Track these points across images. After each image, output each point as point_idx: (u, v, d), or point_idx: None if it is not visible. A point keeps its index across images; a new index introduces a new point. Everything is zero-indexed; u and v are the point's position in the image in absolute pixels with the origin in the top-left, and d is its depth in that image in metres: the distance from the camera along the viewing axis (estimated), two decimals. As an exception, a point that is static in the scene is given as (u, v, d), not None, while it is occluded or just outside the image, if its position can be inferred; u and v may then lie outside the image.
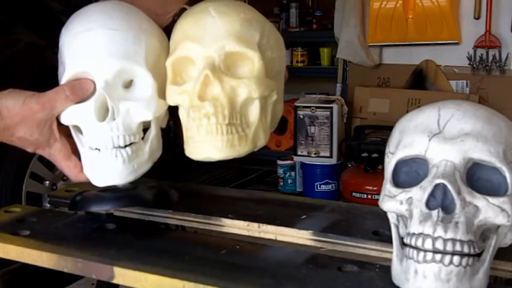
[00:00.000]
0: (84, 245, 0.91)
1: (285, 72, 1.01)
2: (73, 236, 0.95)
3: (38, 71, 2.24)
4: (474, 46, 3.25)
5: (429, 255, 0.69)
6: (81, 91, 0.90)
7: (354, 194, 3.15)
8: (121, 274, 0.82)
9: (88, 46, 0.91)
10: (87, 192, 0.99)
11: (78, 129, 0.93)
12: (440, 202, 0.70)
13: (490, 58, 3.24)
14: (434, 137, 0.73)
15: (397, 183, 0.77)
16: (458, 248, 0.68)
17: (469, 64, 3.28)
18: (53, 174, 2.44)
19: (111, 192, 0.96)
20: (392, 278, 0.76)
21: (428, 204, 0.70)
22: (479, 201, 0.71)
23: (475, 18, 3.26)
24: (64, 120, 0.93)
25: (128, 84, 0.94)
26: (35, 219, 1.03)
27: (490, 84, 3.29)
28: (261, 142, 0.92)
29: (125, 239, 0.93)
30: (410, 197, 0.73)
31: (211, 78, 0.86)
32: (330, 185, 3.38)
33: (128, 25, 0.93)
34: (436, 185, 0.71)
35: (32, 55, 2.34)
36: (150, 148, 0.96)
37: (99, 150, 0.91)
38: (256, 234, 0.98)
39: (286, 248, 0.89)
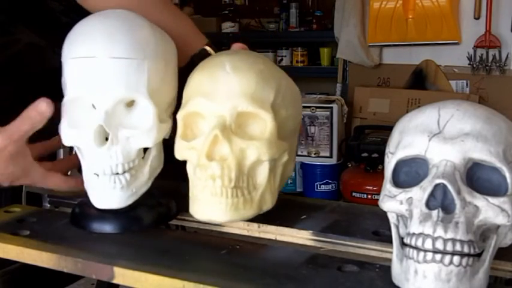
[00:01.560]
0: (84, 245, 0.91)
1: (300, 127, 0.98)
2: (73, 236, 0.95)
3: (38, 71, 2.24)
4: (474, 46, 3.25)
5: (429, 255, 0.69)
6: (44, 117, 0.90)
7: (354, 194, 3.15)
8: (121, 274, 0.82)
9: (89, 75, 0.89)
10: (87, 207, 0.98)
11: (80, 149, 0.94)
12: (440, 202, 0.70)
13: (490, 58, 3.24)
14: (434, 137, 0.73)
15: (397, 183, 0.77)
16: (458, 248, 0.68)
17: (469, 64, 3.28)
18: (53, 174, 2.44)
19: (111, 213, 0.95)
20: (393, 278, 0.76)
21: (428, 204, 0.70)
22: (479, 201, 0.71)
23: (475, 18, 3.26)
24: (65, 142, 0.93)
25: (130, 104, 0.93)
26: (35, 219, 1.03)
27: (490, 84, 3.29)
28: (267, 206, 0.90)
29: (125, 239, 0.93)
30: (410, 197, 0.73)
31: (221, 138, 0.84)
32: (330, 185, 3.38)
33: (132, 51, 0.90)
34: (436, 185, 0.71)
35: (32, 55, 2.34)
36: (150, 168, 0.96)
37: (97, 175, 0.92)
38: (256, 234, 0.98)
39: (286, 248, 0.89)
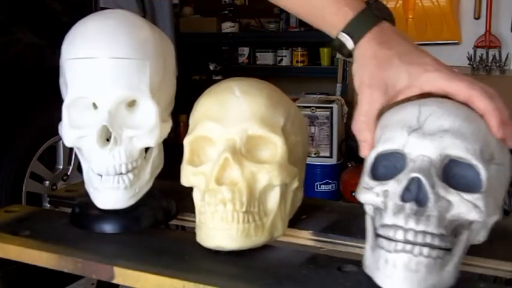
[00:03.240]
0: (84, 245, 0.91)
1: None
2: (73, 236, 0.95)
3: (38, 71, 2.24)
4: (474, 46, 3.26)
5: (400, 246, 0.70)
6: None
7: (354, 194, 3.14)
8: (121, 274, 0.82)
9: (92, 75, 0.89)
10: (87, 207, 0.98)
11: (81, 149, 0.94)
12: (414, 195, 0.71)
13: (490, 58, 3.24)
14: (413, 132, 0.74)
15: (375, 176, 0.78)
16: (428, 240, 0.69)
17: (469, 64, 3.28)
18: (53, 174, 2.44)
19: (111, 213, 0.95)
20: (365, 268, 0.76)
21: (403, 197, 0.71)
22: (453, 196, 0.71)
23: (475, 18, 3.26)
24: (67, 143, 0.93)
25: (131, 104, 0.93)
26: (35, 219, 1.03)
27: (490, 84, 3.27)
28: (278, 233, 0.88)
29: (125, 239, 0.93)
30: (387, 190, 0.74)
31: (231, 161, 0.82)
32: (330, 185, 3.38)
33: (133, 51, 0.90)
34: (411, 179, 0.72)
35: (32, 55, 2.34)
36: (152, 167, 0.96)
37: (101, 176, 0.92)
38: (256, 234, 0.97)
39: (286, 248, 0.89)
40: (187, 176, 0.88)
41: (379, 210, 0.77)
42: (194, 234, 0.89)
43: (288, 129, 0.88)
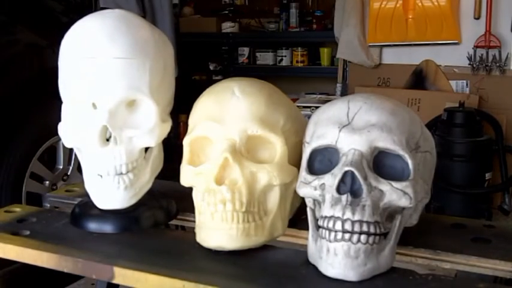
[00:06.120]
0: (84, 245, 0.91)
1: None
2: (73, 236, 0.95)
3: (38, 71, 2.24)
4: (474, 46, 3.25)
5: (339, 235, 0.75)
6: None
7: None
8: (121, 274, 0.82)
9: (91, 75, 0.89)
10: (87, 207, 0.98)
11: (81, 150, 0.94)
12: (349, 187, 0.77)
13: (490, 58, 3.24)
14: (343, 128, 0.80)
15: (312, 170, 0.83)
16: (365, 228, 0.75)
17: (469, 64, 3.28)
18: (53, 174, 2.44)
19: (111, 213, 0.95)
20: (308, 257, 0.81)
21: (339, 190, 0.77)
22: (384, 185, 0.77)
23: (475, 18, 3.26)
24: (67, 143, 0.93)
25: (131, 104, 0.93)
26: (35, 219, 1.03)
27: (490, 84, 3.28)
28: (278, 232, 0.88)
29: (125, 239, 0.93)
30: (323, 183, 0.79)
31: (231, 161, 0.82)
32: (330, 185, 3.37)
33: (133, 51, 0.90)
34: (345, 172, 0.77)
35: (32, 55, 2.34)
36: (152, 166, 0.96)
37: (101, 176, 0.92)
38: (256, 234, 0.97)
39: (286, 248, 0.89)
40: (187, 176, 0.88)
41: (318, 203, 0.82)
42: (194, 234, 0.89)
43: (288, 130, 0.88)
